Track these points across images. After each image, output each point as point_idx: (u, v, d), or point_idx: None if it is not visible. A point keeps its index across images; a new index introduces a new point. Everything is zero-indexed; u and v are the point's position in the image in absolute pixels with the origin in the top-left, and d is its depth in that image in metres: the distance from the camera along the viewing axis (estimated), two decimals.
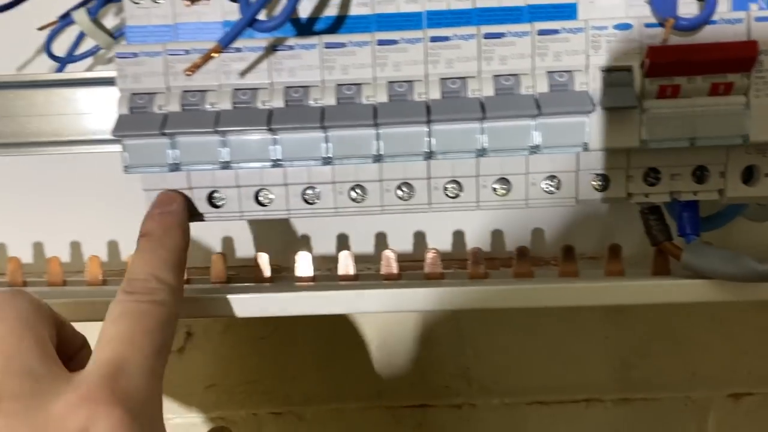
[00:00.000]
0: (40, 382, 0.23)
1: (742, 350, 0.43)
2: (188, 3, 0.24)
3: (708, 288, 0.31)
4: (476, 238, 0.40)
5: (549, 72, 0.28)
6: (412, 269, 0.37)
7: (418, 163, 0.30)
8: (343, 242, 0.40)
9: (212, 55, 0.25)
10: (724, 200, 0.30)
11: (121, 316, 0.26)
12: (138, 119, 0.29)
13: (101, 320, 0.32)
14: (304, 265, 0.34)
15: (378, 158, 0.29)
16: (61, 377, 0.24)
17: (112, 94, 0.32)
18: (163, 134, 0.28)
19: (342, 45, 0.29)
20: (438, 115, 0.28)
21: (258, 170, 0.30)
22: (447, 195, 0.31)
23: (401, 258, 0.35)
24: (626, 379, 0.42)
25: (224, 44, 0.25)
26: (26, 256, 0.41)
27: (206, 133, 0.28)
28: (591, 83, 0.28)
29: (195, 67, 0.25)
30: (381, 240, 0.40)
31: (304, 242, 0.41)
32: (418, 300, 0.32)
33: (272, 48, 0.29)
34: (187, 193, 0.31)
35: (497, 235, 0.39)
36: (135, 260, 0.28)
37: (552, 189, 0.30)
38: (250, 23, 0.25)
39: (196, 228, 0.30)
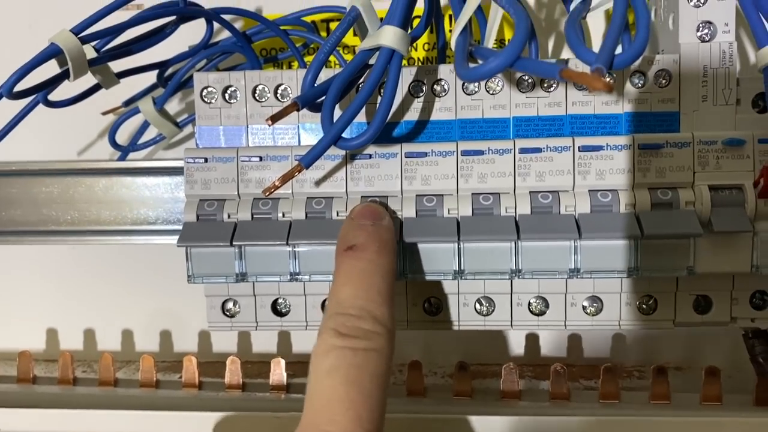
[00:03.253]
0: None
1: None
2: (270, 123, 0.22)
3: None
4: (550, 342, 0.37)
5: (651, 189, 0.26)
6: (482, 376, 0.35)
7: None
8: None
9: (294, 174, 0.23)
10: None
11: (334, 370, 0.21)
12: (206, 228, 0.27)
13: None
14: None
15: (459, 274, 0.27)
16: None
17: (172, 183, 0.30)
18: (232, 245, 0.27)
19: (424, 154, 0.27)
20: (528, 233, 0.26)
21: (328, 282, 0.28)
22: (531, 311, 0.28)
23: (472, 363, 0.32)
24: None
25: (306, 165, 0.23)
26: (77, 342, 0.39)
27: (278, 245, 0.27)
28: (698, 202, 0.26)
29: (274, 188, 0.24)
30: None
31: None
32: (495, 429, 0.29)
33: (350, 156, 0.27)
34: (249, 300, 0.29)
35: (574, 340, 0.37)
36: (343, 284, 0.23)
37: (648, 310, 0.28)
38: (334, 142, 0.23)
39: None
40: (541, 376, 0.34)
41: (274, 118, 0.22)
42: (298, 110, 0.23)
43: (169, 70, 0.34)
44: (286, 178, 0.24)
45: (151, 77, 0.34)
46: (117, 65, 0.31)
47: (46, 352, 0.39)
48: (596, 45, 0.33)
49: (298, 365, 0.35)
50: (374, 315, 0.22)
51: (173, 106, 0.37)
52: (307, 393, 0.21)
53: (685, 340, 0.37)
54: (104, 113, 0.36)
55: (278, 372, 0.32)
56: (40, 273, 0.39)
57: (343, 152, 0.27)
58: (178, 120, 0.35)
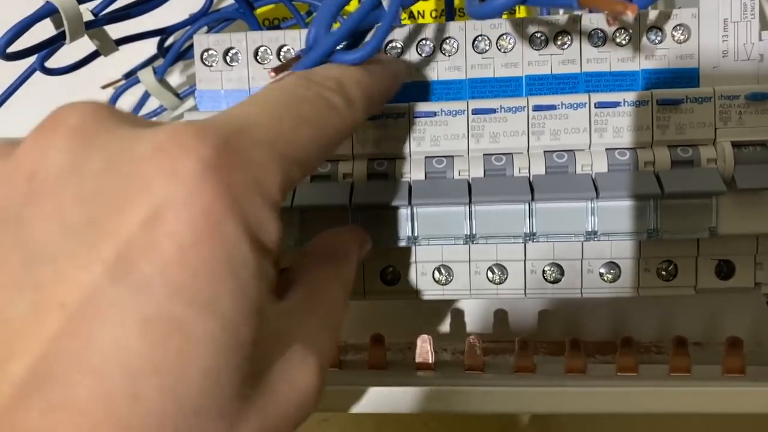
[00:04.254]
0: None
1: None
2: (273, 74, 0.21)
3: None
4: (564, 319, 0.36)
5: (671, 146, 0.25)
6: (495, 352, 0.34)
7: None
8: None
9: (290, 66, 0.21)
10: None
11: (276, 88, 0.19)
12: None
13: None
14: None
15: (470, 239, 0.26)
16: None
17: None
18: None
19: (433, 114, 0.26)
20: (542, 193, 0.25)
21: None
22: (545, 279, 0.27)
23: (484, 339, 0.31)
24: None
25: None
26: None
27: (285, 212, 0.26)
28: (720, 160, 0.25)
29: (280, 70, 0.22)
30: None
31: None
32: (502, 402, 0.28)
33: None
34: None
35: (589, 317, 0.35)
36: (327, 65, 0.21)
37: (668, 276, 0.27)
38: (328, 55, 0.21)
39: None
40: (555, 353, 0.33)
41: (277, 70, 0.21)
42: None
43: (170, 39, 0.33)
44: (289, 63, 0.22)
45: (151, 48, 0.33)
46: (116, 32, 0.30)
47: None
48: None
49: None
50: (343, 85, 0.20)
51: (174, 79, 0.36)
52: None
53: (704, 316, 0.35)
54: (104, 87, 0.35)
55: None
56: None
57: None
58: (180, 92, 0.34)
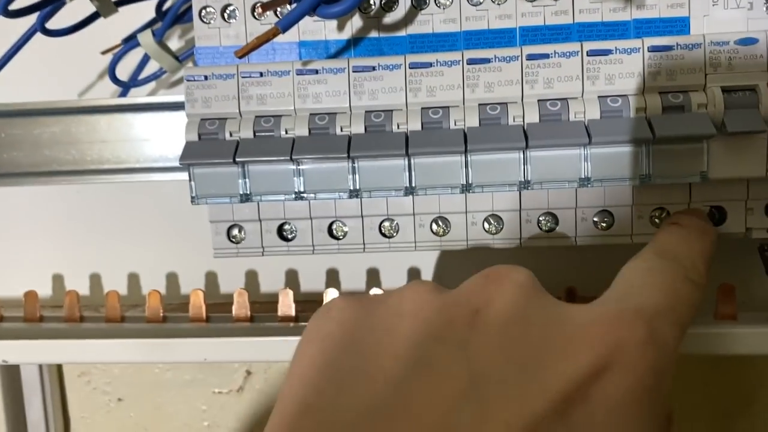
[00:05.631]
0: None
1: None
2: (261, 10, 0.21)
3: None
4: (556, 276, 0.36)
5: (662, 93, 0.25)
6: None
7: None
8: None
9: (270, 37, 0.22)
10: None
11: (657, 270, 0.22)
12: (208, 146, 0.26)
13: (166, 362, 0.30)
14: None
15: (467, 188, 0.26)
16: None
17: (175, 119, 0.30)
18: (235, 163, 0.26)
19: (428, 65, 0.26)
20: (536, 140, 0.25)
21: (333, 200, 0.28)
22: (540, 229, 0.28)
23: None
24: None
25: (283, 28, 0.22)
26: (83, 288, 0.39)
27: (281, 162, 0.26)
28: (710, 105, 0.25)
29: (248, 50, 0.22)
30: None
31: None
32: None
33: (353, 69, 0.26)
34: (255, 225, 0.28)
35: (588, 273, 0.36)
36: (670, 236, 0.24)
37: (661, 223, 0.27)
38: (314, 7, 0.22)
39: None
40: None
41: (265, 6, 0.21)
42: (290, 3, 0.23)
43: (168, 2, 0.33)
44: (261, 39, 0.23)
45: (150, 12, 0.33)
46: None
47: (53, 298, 0.39)
48: None
49: (307, 303, 0.35)
50: (695, 263, 0.23)
51: (173, 44, 0.37)
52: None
53: None
54: (104, 52, 0.35)
55: (287, 303, 0.32)
56: (44, 217, 0.39)
57: (345, 65, 0.26)
58: (179, 56, 0.34)
